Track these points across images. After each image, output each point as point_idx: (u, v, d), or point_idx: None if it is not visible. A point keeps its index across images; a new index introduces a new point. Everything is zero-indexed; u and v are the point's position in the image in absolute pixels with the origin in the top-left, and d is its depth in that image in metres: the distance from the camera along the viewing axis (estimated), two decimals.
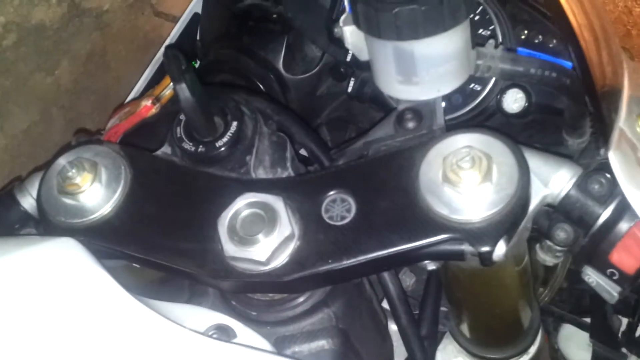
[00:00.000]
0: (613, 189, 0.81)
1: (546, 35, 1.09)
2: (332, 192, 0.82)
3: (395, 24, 0.79)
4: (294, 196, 0.82)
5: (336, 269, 0.78)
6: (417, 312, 1.08)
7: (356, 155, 0.92)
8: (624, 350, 1.23)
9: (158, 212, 0.85)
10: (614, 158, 0.79)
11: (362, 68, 1.16)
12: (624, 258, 0.81)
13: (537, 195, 0.80)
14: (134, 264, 0.87)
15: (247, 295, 0.93)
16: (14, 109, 1.49)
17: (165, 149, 0.93)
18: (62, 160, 0.87)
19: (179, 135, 0.92)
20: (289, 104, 1.30)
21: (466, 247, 0.75)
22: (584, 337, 1.36)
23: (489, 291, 0.93)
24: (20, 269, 0.76)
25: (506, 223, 0.74)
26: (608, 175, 0.81)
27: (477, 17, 1.10)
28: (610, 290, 0.84)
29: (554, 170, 0.81)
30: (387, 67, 0.86)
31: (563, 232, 0.85)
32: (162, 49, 1.56)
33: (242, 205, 0.80)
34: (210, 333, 0.83)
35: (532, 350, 1.08)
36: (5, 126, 1.48)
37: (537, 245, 0.95)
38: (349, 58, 1.15)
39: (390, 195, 0.79)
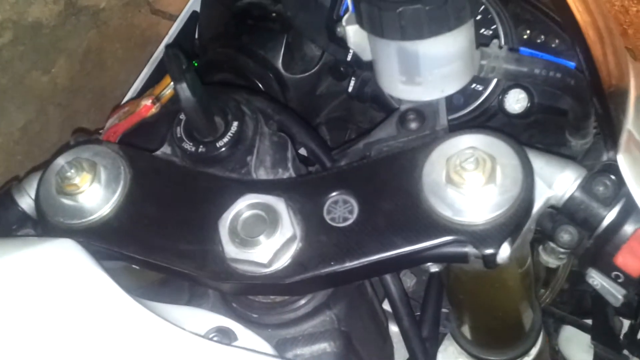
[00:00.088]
0: (618, 191, 0.80)
1: (548, 35, 1.08)
2: (334, 193, 0.81)
3: (399, 24, 0.79)
4: (295, 197, 0.82)
5: (338, 271, 0.77)
6: (417, 313, 1.07)
7: (358, 156, 0.91)
8: (625, 352, 1.23)
9: (158, 213, 0.85)
10: (622, 160, 0.79)
11: (363, 67, 1.15)
12: (629, 261, 0.80)
13: (541, 197, 0.79)
14: (134, 266, 0.86)
15: (248, 297, 0.92)
16: (10, 107, 1.49)
17: (165, 149, 0.93)
18: (60, 160, 0.86)
19: (179, 135, 0.91)
20: (288, 103, 1.29)
21: (470, 250, 0.74)
22: (585, 338, 1.36)
23: (492, 293, 0.92)
24: (18, 270, 0.76)
25: (510, 225, 0.73)
26: (613, 177, 0.80)
27: (479, 17, 1.10)
28: (614, 293, 0.83)
29: (558, 171, 0.80)
30: (390, 67, 0.86)
31: (567, 234, 0.84)
32: (160, 48, 1.55)
33: (244, 206, 0.80)
34: (210, 336, 0.82)
35: (533, 352, 1.08)
36: (2, 124, 1.48)
37: (540, 247, 0.95)
38: (349, 57, 1.15)
39: (393, 196, 0.79)
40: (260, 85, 1.28)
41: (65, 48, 1.57)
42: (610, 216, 0.80)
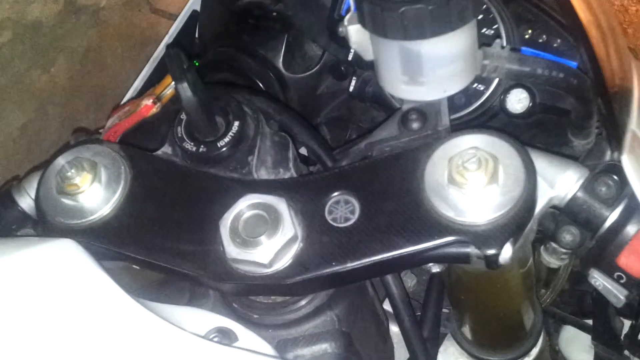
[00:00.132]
0: (620, 191, 0.80)
1: (550, 35, 1.08)
2: (335, 194, 0.81)
3: (402, 24, 0.78)
4: (297, 197, 0.81)
5: (340, 272, 0.77)
6: (418, 313, 1.07)
7: (360, 156, 0.91)
8: (626, 352, 1.22)
9: (158, 213, 0.84)
10: (627, 161, 0.79)
11: (364, 67, 1.15)
12: (631, 261, 0.80)
13: (544, 197, 0.79)
14: (134, 266, 0.86)
15: (249, 298, 0.91)
16: (9, 106, 1.48)
17: (166, 149, 0.92)
18: (61, 160, 0.86)
19: (180, 135, 0.91)
20: (288, 102, 1.29)
21: (472, 250, 0.74)
22: (585, 339, 1.35)
23: (493, 294, 0.92)
24: (18, 270, 0.76)
25: (513, 225, 0.73)
26: (615, 177, 0.80)
27: (480, 16, 1.09)
28: (617, 293, 0.83)
29: (560, 172, 0.80)
30: (392, 67, 0.85)
31: (569, 235, 0.84)
32: (160, 47, 1.55)
33: (245, 206, 0.79)
34: (211, 336, 0.82)
35: (534, 352, 1.08)
36: (1, 123, 1.48)
37: (542, 247, 0.95)
38: (350, 57, 1.14)
39: (395, 196, 0.78)
40: (260, 85, 1.27)
41: (65, 47, 1.57)
42: (612, 217, 0.80)
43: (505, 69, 0.87)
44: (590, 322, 1.36)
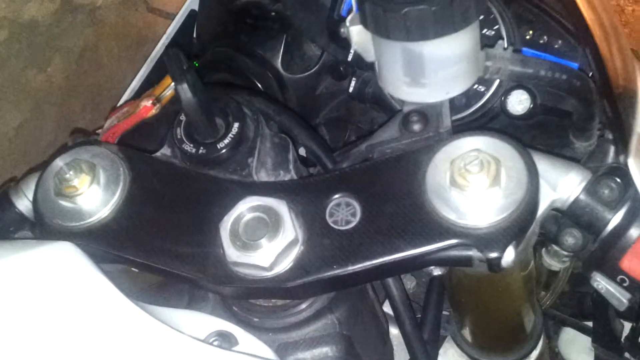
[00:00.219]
0: (623, 194, 0.79)
1: (551, 36, 1.07)
2: (336, 196, 0.80)
3: (405, 25, 0.78)
4: (297, 200, 0.81)
5: (341, 275, 0.76)
6: (418, 315, 1.06)
7: (361, 158, 0.90)
8: (626, 355, 1.22)
9: (158, 215, 0.84)
10: (633, 164, 0.78)
11: (363, 68, 1.14)
12: (634, 265, 0.79)
13: (546, 200, 0.78)
14: (133, 268, 0.85)
15: (249, 301, 0.91)
16: (5, 106, 1.48)
17: (165, 151, 0.92)
18: (59, 162, 0.85)
19: (179, 137, 0.90)
20: (287, 103, 1.29)
21: (474, 253, 0.74)
22: (585, 341, 1.35)
23: (494, 296, 0.92)
24: (15, 273, 0.75)
25: (515, 228, 0.73)
26: (618, 180, 0.80)
27: (481, 17, 1.09)
28: (620, 297, 0.83)
29: (562, 174, 0.80)
30: (394, 69, 0.85)
31: (572, 238, 0.84)
32: (157, 47, 1.55)
33: (245, 209, 0.79)
34: (210, 340, 0.81)
35: (534, 354, 1.08)
36: None
37: (543, 250, 0.94)
38: (350, 57, 1.14)
39: (396, 199, 0.78)
40: (259, 85, 1.27)
41: (61, 46, 1.56)
42: (615, 219, 0.79)
43: (507, 71, 0.87)
44: (590, 324, 1.36)
